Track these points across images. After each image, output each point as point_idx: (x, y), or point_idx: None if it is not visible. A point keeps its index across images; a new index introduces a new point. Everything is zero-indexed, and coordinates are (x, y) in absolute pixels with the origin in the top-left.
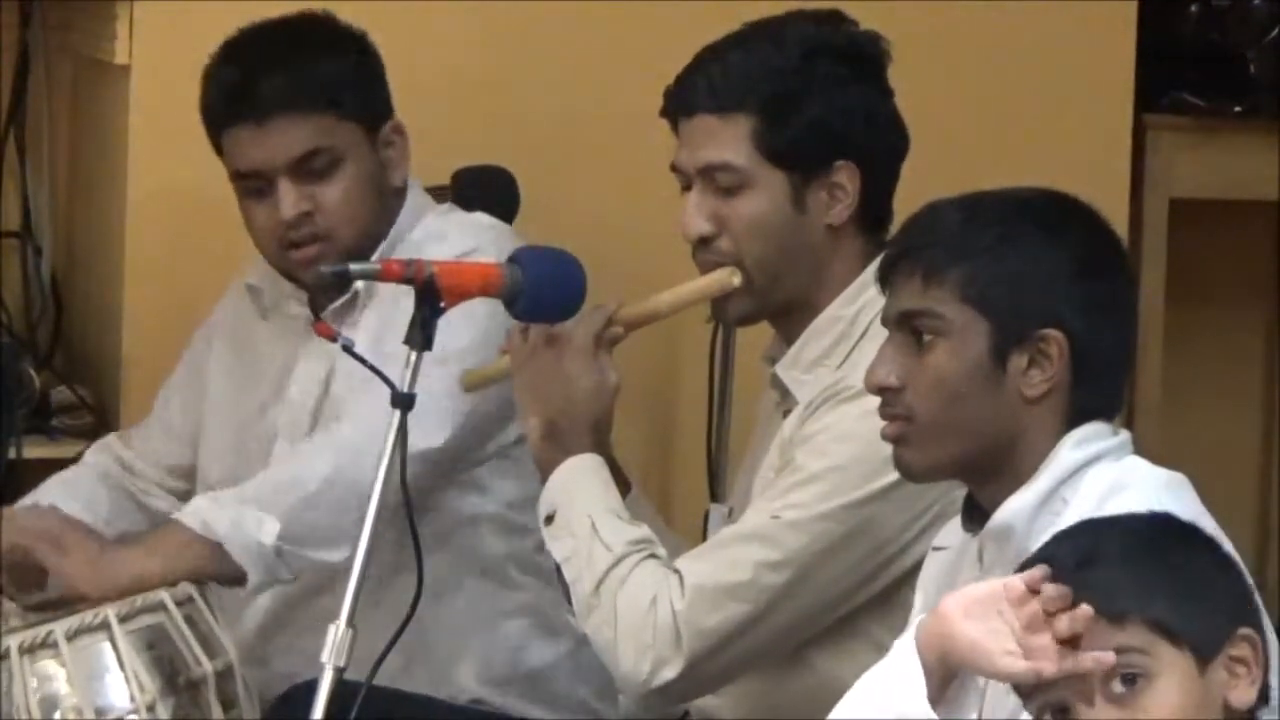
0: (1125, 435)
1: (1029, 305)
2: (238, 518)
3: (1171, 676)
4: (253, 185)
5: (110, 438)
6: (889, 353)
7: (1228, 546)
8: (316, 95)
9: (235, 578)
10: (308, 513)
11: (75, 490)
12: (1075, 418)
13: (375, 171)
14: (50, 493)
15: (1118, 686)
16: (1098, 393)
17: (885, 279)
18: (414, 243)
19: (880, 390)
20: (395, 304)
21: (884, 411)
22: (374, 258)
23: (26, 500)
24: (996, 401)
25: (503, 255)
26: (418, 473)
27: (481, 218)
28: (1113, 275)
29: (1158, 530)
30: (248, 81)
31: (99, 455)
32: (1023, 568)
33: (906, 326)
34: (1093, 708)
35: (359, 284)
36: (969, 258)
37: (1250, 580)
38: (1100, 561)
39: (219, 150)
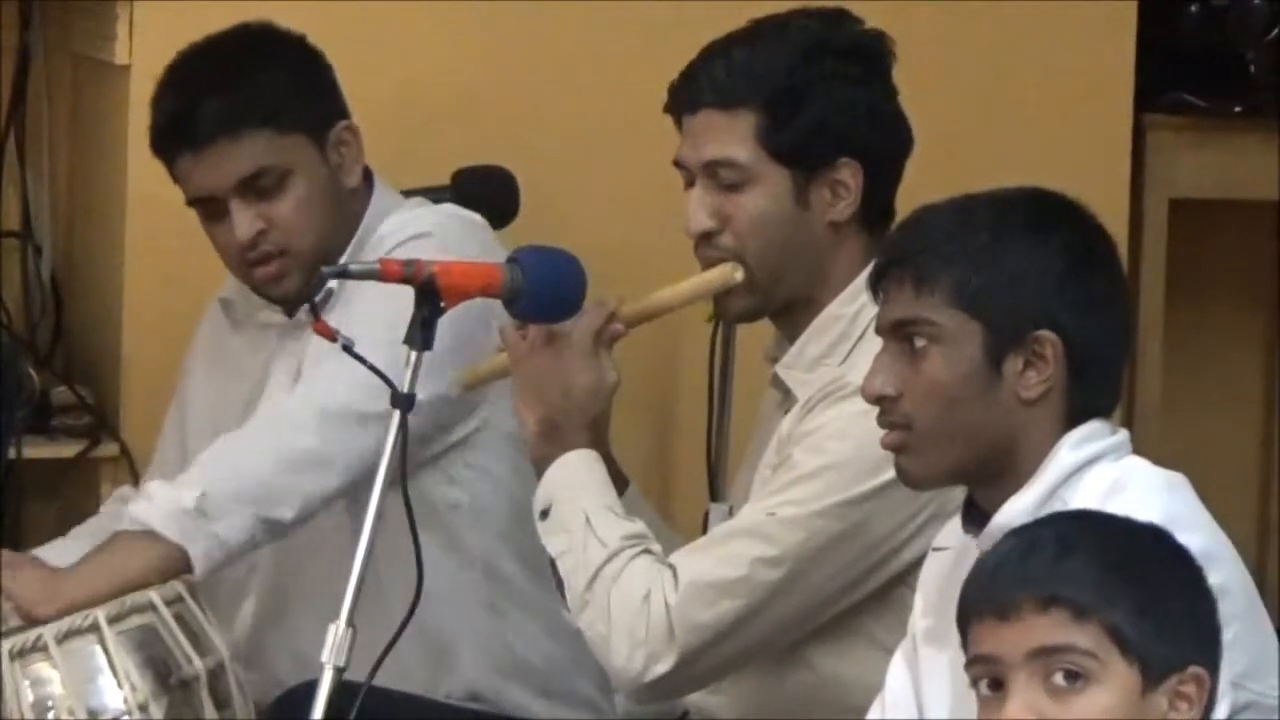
0: (1123, 434)
1: (1022, 307)
2: (156, 497)
3: (1112, 686)
4: (208, 210)
5: (125, 488)
6: (884, 361)
7: (1224, 563)
8: (254, 115)
9: (189, 564)
10: (235, 473)
11: (94, 538)
12: (1073, 417)
13: (327, 178)
14: (69, 543)
15: (1059, 679)
16: (1094, 390)
17: (876, 287)
18: (380, 238)
19: (877, 400)
20: (353, 301)
21: (882, 420)
22: (342, 259)
23: (45, 551)
24: (993, 405)
25: (461, 243)
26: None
27: (445, 207)
28: (1104, 271)
29: (1149, 541)
30: (184, 111)
31: (114, 505)
32: (1012, 536)
33: (900, 335)
34: (1026, 688)
35: (333, 283)
36: (959, 263)
37: (1220, 624)
38: (1080, 553)
39: (174, 179)
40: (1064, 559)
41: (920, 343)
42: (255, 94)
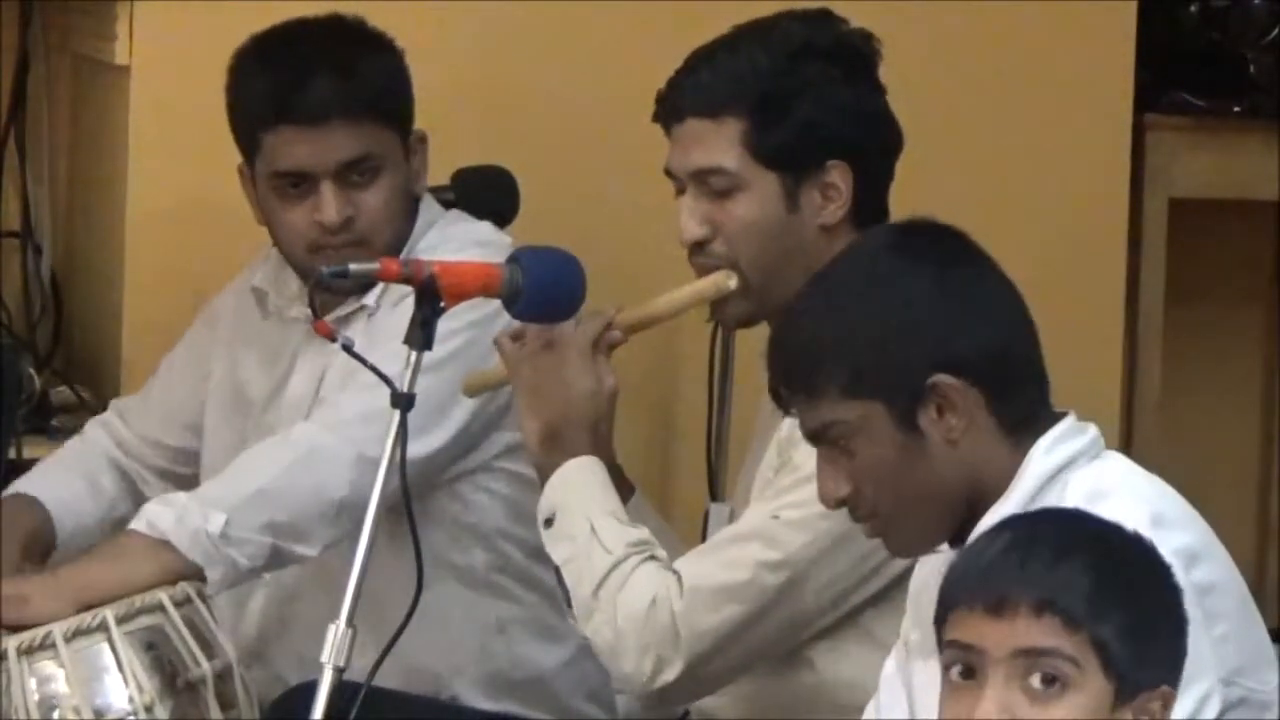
0: (1093, 430)
1: (905, 367)
2: (182, 513)
3: (1087, 696)
4: (290, 187)
5: (110, 416)
6: (826, 468)
7: (1213, 560)
8: (367, 101)
9: (199, 576)
10: (263, 505)
11: (80, 470)
12: (1015, 426)
13: (405, 180)
14: (53, 472)
15: (1035, 681)
16: (1018, 392)
17: (782, 408)
18: (421, 252)
19: (839, 503)
20: (392, 312)
21: (853, 516)
22: None
23: (30, 478)
24: (934, 462)
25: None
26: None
27: (483, 229)
28: (969, 282)
29: (1139, 555)
30: (301, 82)
31: (100, 433)
32: (1006, 530)
33: (825, 441)
34: (1003, 686)
35: (370, 300)
36: (829, 359)
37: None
38: (1076, 559)
39: (250, 148)
40: (1061, 563)
41: (842, 440)
42: (369, 80)
